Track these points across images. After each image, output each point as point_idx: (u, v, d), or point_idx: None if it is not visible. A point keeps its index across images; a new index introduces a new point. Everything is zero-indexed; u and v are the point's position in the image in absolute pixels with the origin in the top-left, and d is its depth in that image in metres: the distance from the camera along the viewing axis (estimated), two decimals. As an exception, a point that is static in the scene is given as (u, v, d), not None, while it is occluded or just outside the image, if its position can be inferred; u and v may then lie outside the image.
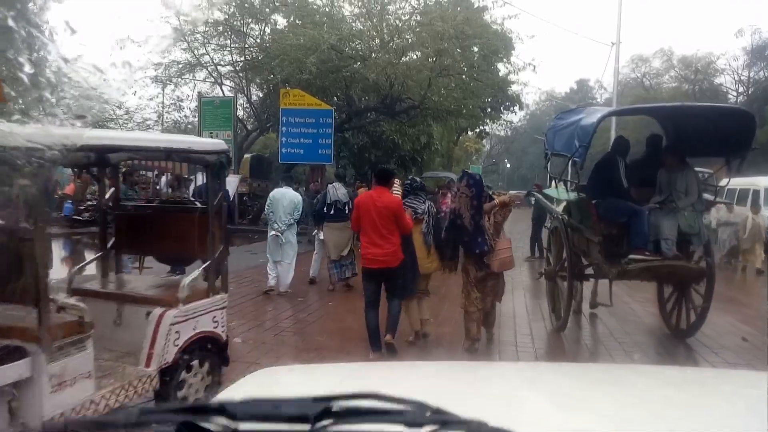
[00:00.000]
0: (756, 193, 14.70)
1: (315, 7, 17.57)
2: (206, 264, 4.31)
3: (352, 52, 16.08)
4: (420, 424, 0.81)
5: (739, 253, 12.85)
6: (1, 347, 3.05)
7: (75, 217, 17.55)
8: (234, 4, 17.93)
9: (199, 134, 19.28)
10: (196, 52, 18.53)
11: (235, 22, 18.15)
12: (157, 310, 3.97)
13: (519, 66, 17.62)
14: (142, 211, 5.23)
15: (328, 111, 18.19)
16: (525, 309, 8.30)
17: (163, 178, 20.16)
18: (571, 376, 1.68)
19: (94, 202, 18.59)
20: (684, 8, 76.25)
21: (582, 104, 43.17)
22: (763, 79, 34.56)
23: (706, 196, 6.69)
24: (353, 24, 17.05)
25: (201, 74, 20.30)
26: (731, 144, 6.01)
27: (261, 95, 20.92)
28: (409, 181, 6.29)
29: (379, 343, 5.54)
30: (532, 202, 15.35)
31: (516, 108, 28.79)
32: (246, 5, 18.04)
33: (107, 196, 5.09)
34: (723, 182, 8.12)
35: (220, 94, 20.13)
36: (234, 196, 19.06)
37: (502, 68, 18.89)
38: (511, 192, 12.19)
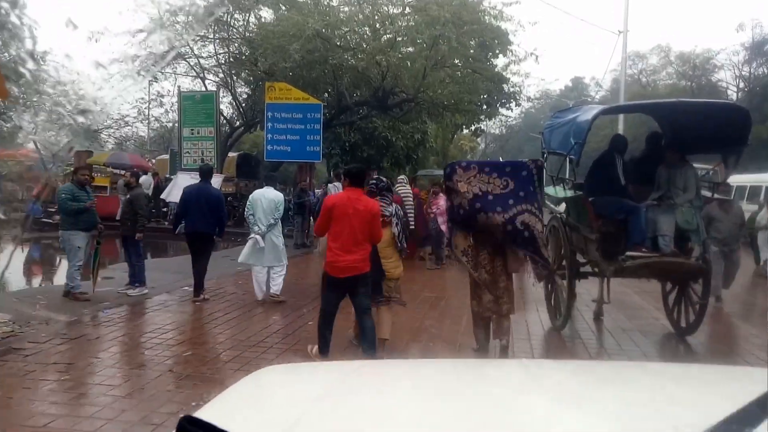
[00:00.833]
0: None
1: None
2: None
3: (340, 40, 14.83)
4: None
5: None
6: None
7: (44, 219, 16.26)
8: (216, -8, 16.66)
9: (179, 131, 18.03)
10: (174, 42, 17.20)
11: (217, 12, 16.84)
12: None
13: (520, 56, 16.31)
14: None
15: (316, 106, 16.99)
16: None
17: (144, 178, 18.96)
18: (569, 373, 1.65)
19: (67, 204, 17.37)
20: (682, 3, 75.10)
21: (579, 102, 42.16)
22: (764, 75, 33.58)
23: (704, 192, 6.70)
24: (341, 9, 15.76)
25: (182, 68, 18.99)
26: (727, 140, 6.04)
27: (247, 90, 19.62)
28: (374, 181, 5.71)
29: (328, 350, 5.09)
30: None
31: (513, 104, 27.66)
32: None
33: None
34: (725, 179, 7.76)
35: (203, 89, 18.80)
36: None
37: (501, 59, 17.61)
38: None
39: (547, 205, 7.44)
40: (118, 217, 8.56)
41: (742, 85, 34.83)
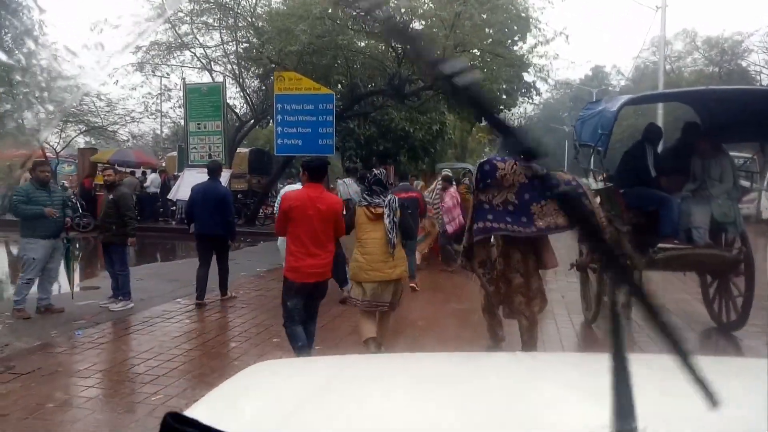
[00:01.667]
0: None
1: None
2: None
3: (351, 21, 13.57)
4: None
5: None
6: None
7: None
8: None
9: (185, 125, 16.92)
10: (178, 30, 16.09)
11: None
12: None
13: (548, 36, 14.86)
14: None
15: (328, 96, 15.76)
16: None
17: (152, 176, 17.95)
18: (568, 365, 1.64)
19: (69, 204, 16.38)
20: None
21: (601, 93, 40.39)
22: (798, 58, 31.62)
23: (743, 182, 6.56)
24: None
25: (188, 59, 17.87)
26: (764, 127, 5.82)
27: (256, 82, 18.45)
28: (377, 172, 5.07)
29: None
30: None
31: (533, 93, 26.22)
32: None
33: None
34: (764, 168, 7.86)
35: (209, 81, 17.66)
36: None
37: (528, 40, 16.16)
38: None
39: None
40: (97, 222, 7.35)
41: (775, 69, 32.90)
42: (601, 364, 1.42)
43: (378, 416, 1.15)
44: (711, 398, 0.76)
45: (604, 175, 6.40)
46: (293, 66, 15.99)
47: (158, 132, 36.73)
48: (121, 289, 6.96)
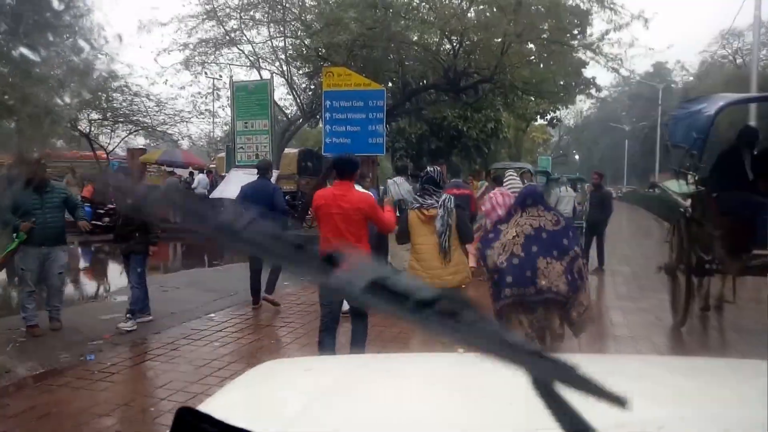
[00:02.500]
0: None
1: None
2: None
3: (404, 9, 12.48)
4: None
5: None
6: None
7: (94, 222, 14.84)
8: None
9: (232, 124, 16.23)
10: (225, 26, 15.39)
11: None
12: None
13: (623, 21, 13.26)
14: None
15: (379, 92, 14.72)
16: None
17: (200, 176, 17.39)
18: (586, 366, 1.20)
19: (115, 206, 15.95)
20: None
21: (707, 94, 37.90)
22: None
23: None
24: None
25: (236, 57, 17.18)
26: None
27: (305, 80, 17.59)
28: (430, 170, 4.65)
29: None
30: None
31: (593, 90, 24.39)
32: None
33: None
34: None
35: (257, 79, 16.92)
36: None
37: (599, 23, 14.65)
38: None
39: (670, 198, 7.12)
40: (116, 230, 6.44)
41: None
42: (615, 364, 1.69)
43: (386, 415, 1.14)
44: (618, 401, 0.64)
45: (695, 179, 6.06)
46: (342, 61, 15.06)
47: (211, 133, 36.71)
48: (134, 305, 6.00)
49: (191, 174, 17.75)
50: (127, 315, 5.89)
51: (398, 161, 13.26)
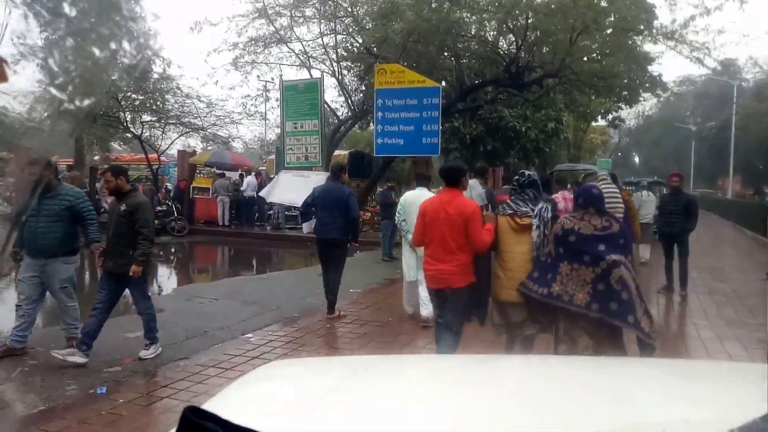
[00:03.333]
0: None
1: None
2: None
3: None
4: None
5: None
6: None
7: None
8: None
9: (282, 125, 15.51)
10: (275, 24, 14.69)
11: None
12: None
13: (710, 5, 11.65)
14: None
15: (434, 89, 13.68)
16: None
17: (248, 178, 16.79)
18: (577, 369, 1.60)
19: (164, 207, 15.51)
20: None
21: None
22: None
23: None
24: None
25: (286, 56, 16.48)
26: None
27: (355, 80, 16.71)
28: (529, 173, 4.23)
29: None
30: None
31: (659, 88, 22.48)
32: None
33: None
34: None
35: (307, 78, 16.15)
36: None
37: (686, 6, 13.06)
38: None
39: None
40: (104, 244, 5.04)
41: None
42: (617, 366, 1.64)
43: (387, 416, 1.13)
44: None
45: None
46: (395, 58, 14.10)
47: (263, 136, 36.50)
48: (151, 332, 4.99)
49: (241, 176, 17.18)
50: (146, 342, 5.00)
51: (480, 163, 12.24)
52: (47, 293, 5.05)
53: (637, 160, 48.38)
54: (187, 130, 18.09)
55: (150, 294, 5.24)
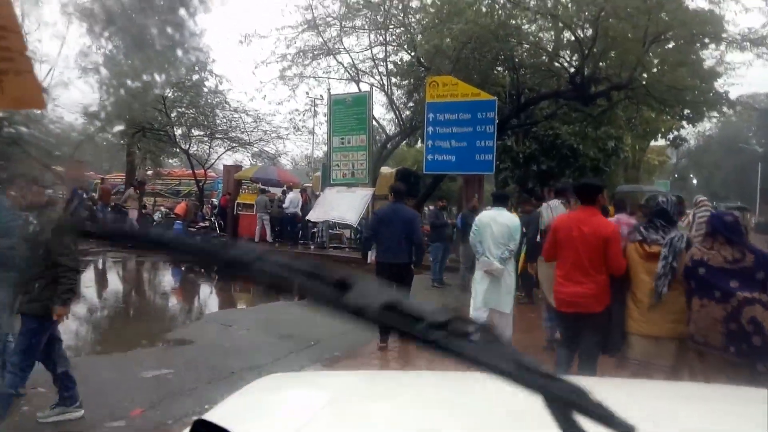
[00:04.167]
0: None
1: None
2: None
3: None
4: None
5: None
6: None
7: (184, 241, 13.83)
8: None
9: (329, 140, 14.78)
10: (324, 35, 14.03)
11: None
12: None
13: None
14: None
15: (489, 102, 12.68)
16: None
17: (291, 195, 16.08)
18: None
19: (207, 224, 14.95)
20: None
21: None
22: None
23: None
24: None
25: (335, 70, 15.80)
26: None
27: (404, 96, 15.83)
28: (662, 200, 3.91)
29: None
30: None
31: (725, 107, 20.69)
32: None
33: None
34: None
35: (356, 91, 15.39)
36: (367, 215, 14.29)
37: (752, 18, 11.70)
38: None
39: None
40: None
41: None
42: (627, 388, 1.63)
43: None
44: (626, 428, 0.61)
45: None
46: (447, 70, 13.19)
47: (311, 153, 36.14)
48: (64, 391, 3.74)
49: (284, 192, 16.50)
50: (59, 403, 3.75)
51: (562, 181, 11.04)
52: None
53: (695, 182, 45.70)
54: (234, 144, 17.62)
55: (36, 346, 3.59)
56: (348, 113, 14.25)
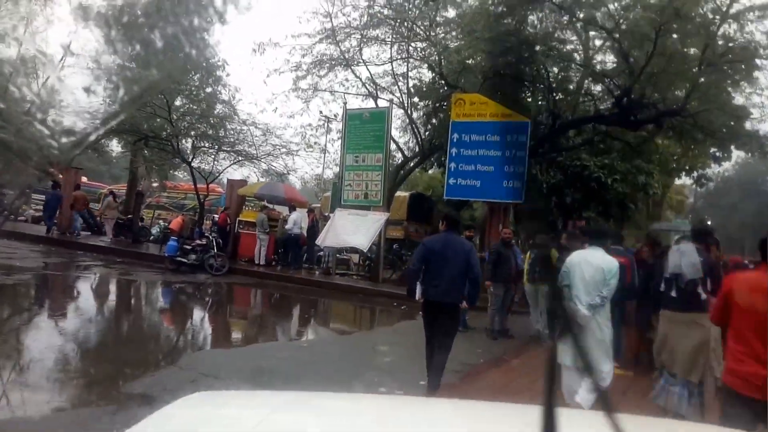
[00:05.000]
0: None
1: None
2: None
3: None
4: None
5: None
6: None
7: (178, 258, 12.43)
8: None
9: (342, 158, 13.44)
10: (342, 46, 12.83)
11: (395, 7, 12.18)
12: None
13: None
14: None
15: (521, 125, 11.37)
16: None
17: (294, 214, 14.68)
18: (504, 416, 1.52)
19: (204, 242, 13.53)
20: None
21: None
22: None
23: None
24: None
25: (352, 84, 14.56)
26: None
27: (423, 114, 14.55)
28: None
29: None
30: None
31: (754, 146, 19.34)
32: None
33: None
34: None
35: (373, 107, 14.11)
36: (380, 241, 12.85)
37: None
38: None
39: None
40: None
41: None
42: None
43: None
44: None
45: None
46: (475, 88, 11.95)
47: (321, 172, 34.88)
48: None
49: (292, 211, 15.11)
50: None
51: (701, 224, 9.63)
52: None
53: (710, 222, 44.15)
54: (240, 158, 16.31)
55: None
56: (364, 130, 12.97)
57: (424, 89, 14.05)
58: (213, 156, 16.37)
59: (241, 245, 14.21)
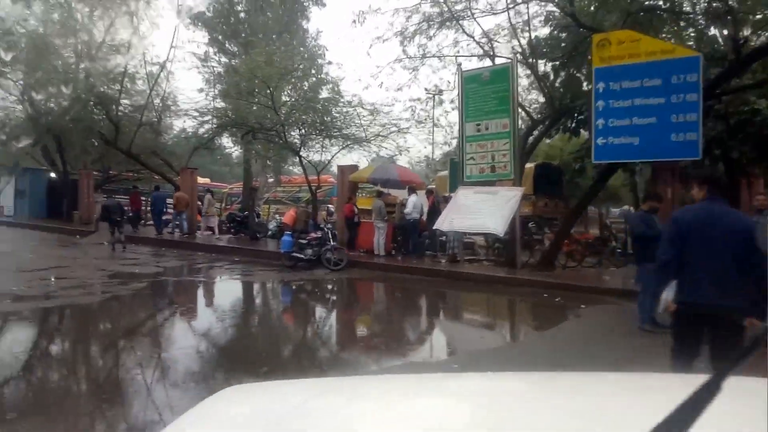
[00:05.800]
0: None
1: None
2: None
3: None
4: None
5: None
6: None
7: (294, 254, 11.43)
8: None
9: (460, 128, 11.62)
10: (449, 1, 10.95)
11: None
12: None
13: None
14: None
15: (690, 60, 8.83)
16: None
17: (413, 197, 13.12)
18: (530, 383, 1.48)
19: (320, 235, 12.40)
20: None
21: None
22: None
23: None
24: None
25: (462, 46, 12.64)
26: None
27: (554, 67, 12.22)
28: None
29: None
30: None
31: None
32: None
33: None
34: None
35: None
36: (515, 221, 10.90)
37: None
38: None
39: None
40: None
41: None
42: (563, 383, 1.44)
43: None
44: None
45: None
46: (616, 25, 9.59)
47: (429, 152, 33.19)
48: None
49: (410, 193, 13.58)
50: None
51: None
52: None
53: None
54: (348, 142, 15.08)
55: None
56: (485, 92, 11.03)
57: (550, 40, 11.80)
58: (320, 143, 15.30)
59: (359, 236, 12.99)
